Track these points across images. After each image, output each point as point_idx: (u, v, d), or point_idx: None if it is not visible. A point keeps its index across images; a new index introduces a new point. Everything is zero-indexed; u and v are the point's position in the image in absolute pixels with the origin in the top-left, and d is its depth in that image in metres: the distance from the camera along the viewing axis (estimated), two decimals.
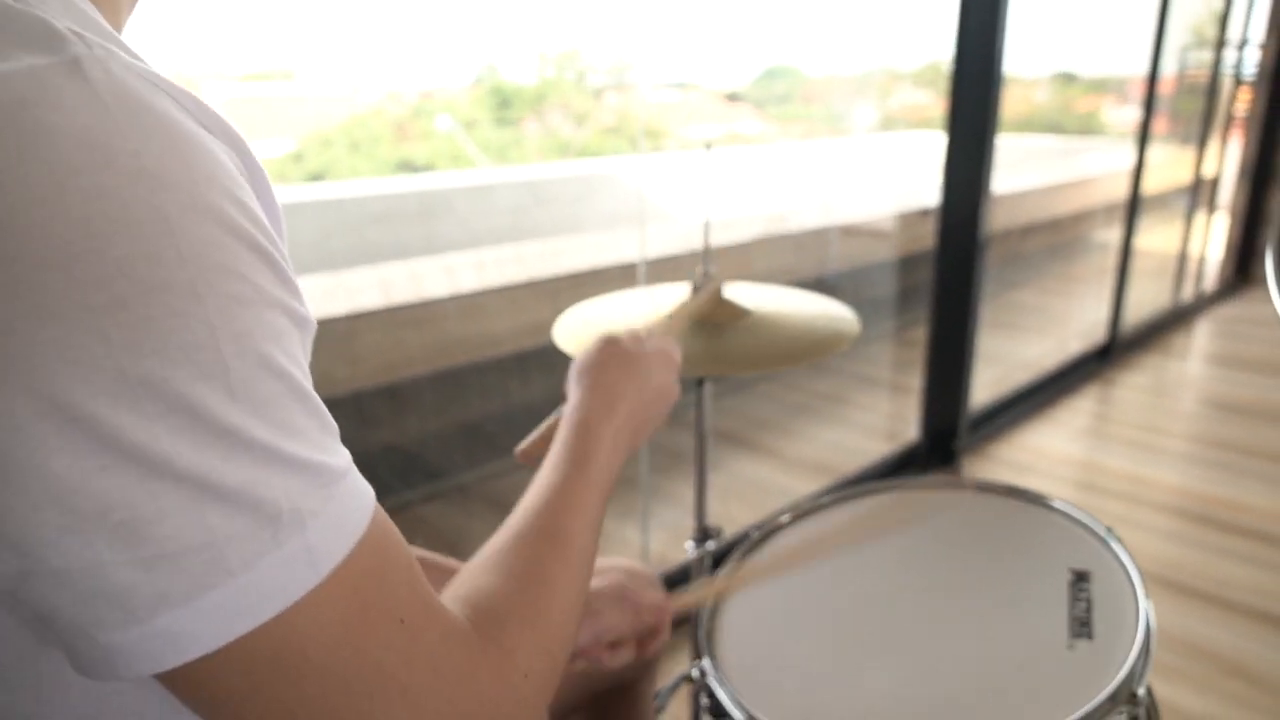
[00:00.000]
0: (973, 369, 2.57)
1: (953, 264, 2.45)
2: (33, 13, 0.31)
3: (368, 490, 0.38)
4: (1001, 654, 0.79)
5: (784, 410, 3.22)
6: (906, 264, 3.38)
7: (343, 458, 0.37)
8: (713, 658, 0.84)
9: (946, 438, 2.61)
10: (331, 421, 0.37)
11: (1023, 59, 3.96)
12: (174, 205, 0.30)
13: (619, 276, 2.65)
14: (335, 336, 2.02)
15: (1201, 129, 4.52)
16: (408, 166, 2.58)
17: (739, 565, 0.95)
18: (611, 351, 0.67)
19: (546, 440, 0.64)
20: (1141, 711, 0.72)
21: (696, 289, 1.04)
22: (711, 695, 0.82)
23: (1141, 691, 0.72)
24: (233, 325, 0.31)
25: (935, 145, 2.40)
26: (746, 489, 2.63)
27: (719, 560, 1.20)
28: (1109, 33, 4.12)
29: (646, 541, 2.23)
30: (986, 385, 2.94)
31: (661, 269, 2.60)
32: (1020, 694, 0.74)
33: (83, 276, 0.28)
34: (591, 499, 0.56)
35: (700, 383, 1.16)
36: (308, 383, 0.35)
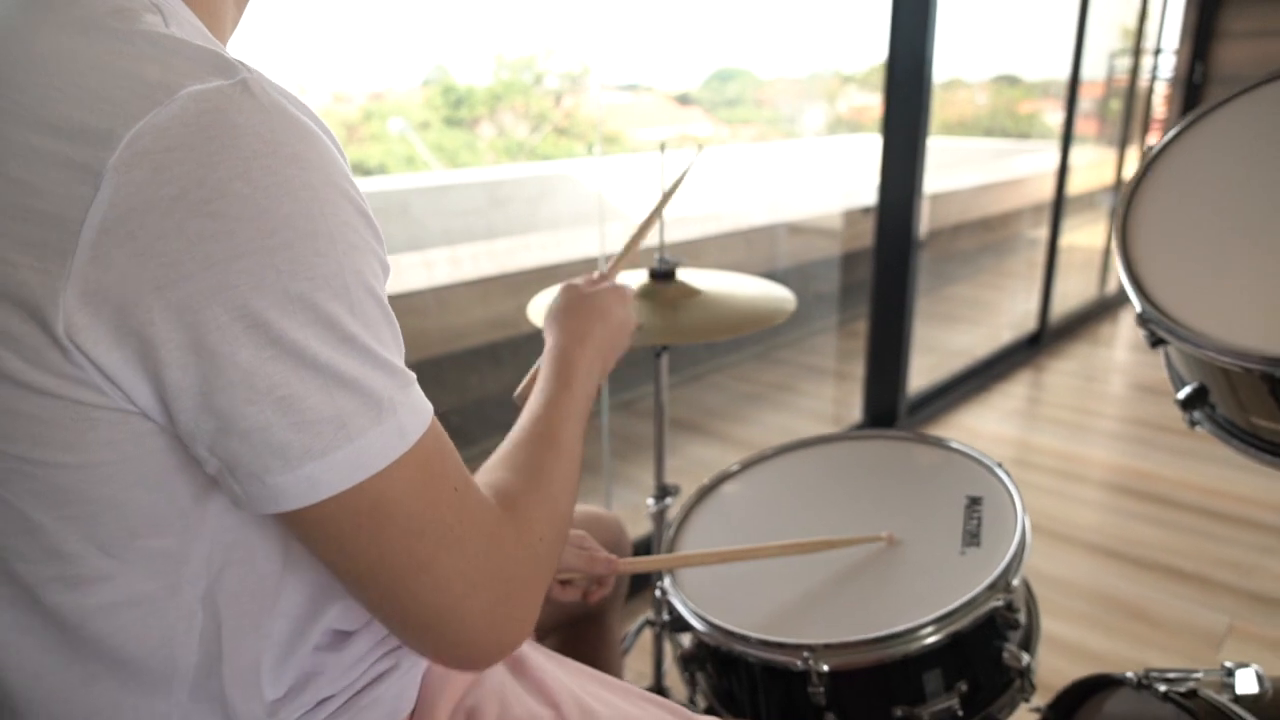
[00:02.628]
0: (910, 357, 2.75)
1: (890, 259, 2.63)
2: (212, 49, 0.44)
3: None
4: (908, 560, 0.96)
5: (735, 399, 3.38)
6: (849, 260, 3.55)
7: (409, 370, 0.51)
8: (671, 576, 0.99)
9: (887, 421, 2.80)
10: (402, 341, 0.51)
11: (965, 62, 4.15)
12: (316, 179, 0.44)
13: (581, 270, 2.78)
14: None
15: (1122, 131, 4.80)
16: (359, 169, 2.65)
17: (685, 554, 1.05)
18: (574, 295, 0.84)
19: (535, 380, 0.79)
20: (1016, 597, 0.88)
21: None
22: (672, 610, 0.97)
23: (1016, 581, 0.88)
24: (353, 263, 0.45)
25: (876, 147, 2.57)
26: (700, 470, 2.78)
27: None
28: (1045, 36, 4.30)
29: None
30: (924, 371, 3.13)
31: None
32: (920, 589, 0.91)
33: (263, 226, 0.42)
34: (575, 410, 0.71)
35: (659, 353, 1.31)
36: (390, 311, 0.49)
